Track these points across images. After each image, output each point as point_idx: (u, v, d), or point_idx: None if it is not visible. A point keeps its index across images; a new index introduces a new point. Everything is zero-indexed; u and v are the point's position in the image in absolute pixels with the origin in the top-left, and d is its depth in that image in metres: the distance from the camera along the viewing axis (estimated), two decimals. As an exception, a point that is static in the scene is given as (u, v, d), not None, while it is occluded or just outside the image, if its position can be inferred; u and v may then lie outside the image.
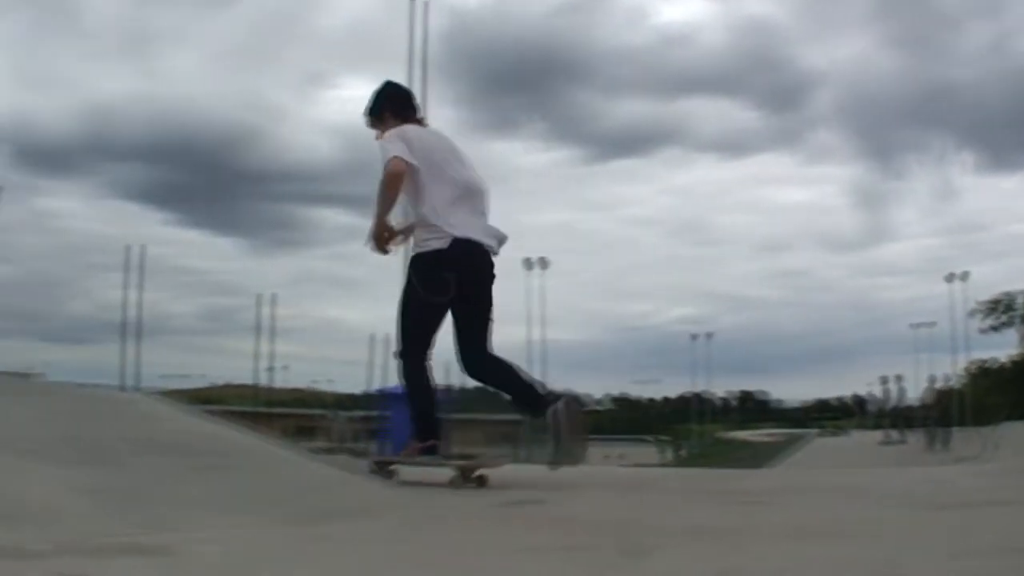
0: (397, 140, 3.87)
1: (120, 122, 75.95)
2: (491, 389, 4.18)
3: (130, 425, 3.63)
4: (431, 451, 3.92)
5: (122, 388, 19.28)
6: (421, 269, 3.90)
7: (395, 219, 4.04)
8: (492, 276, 4.07)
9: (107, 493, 2.69)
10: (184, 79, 77.30)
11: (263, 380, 23.45)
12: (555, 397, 3.85)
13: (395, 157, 3.80)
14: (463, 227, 3.89)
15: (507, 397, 4.08)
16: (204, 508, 2.79)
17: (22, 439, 2.90)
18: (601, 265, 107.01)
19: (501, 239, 4.06)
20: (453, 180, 3.96)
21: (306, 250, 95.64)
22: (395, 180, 3.83)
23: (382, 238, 4.02)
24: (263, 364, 22.79)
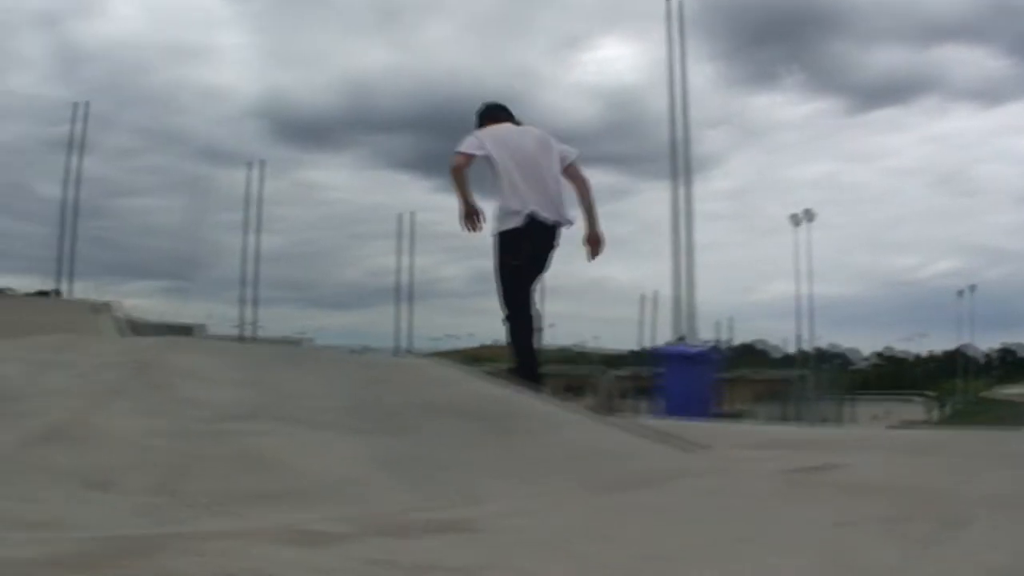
0: (470, 137, 4.85)
1: (380, 95, 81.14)
2: None
3: (417, 390, 3.50)
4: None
5: (396, 351, 20.49)
6: (505, 244, 4.72)
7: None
8: (553, 246, 4.88)
9: (403, 463, 2.52)
10: (441, 49, 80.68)
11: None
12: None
13: (456, 153, 4.76)
14: (533, 206, 4.69)
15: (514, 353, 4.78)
16: (502, 477, 2.56)
17: (312, 409, 2.81)
18: (865, 217, 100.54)
19: (565, 218, 4.90)
20: (525, 166, 4.77)
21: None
22: (454, 171, 4.79)
23: (470, 219, 4.77)
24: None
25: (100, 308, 12.45)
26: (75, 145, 14.13)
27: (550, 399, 4.18)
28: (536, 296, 5.01)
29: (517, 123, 5.20)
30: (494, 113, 5.22)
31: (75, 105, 14.32)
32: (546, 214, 4.77)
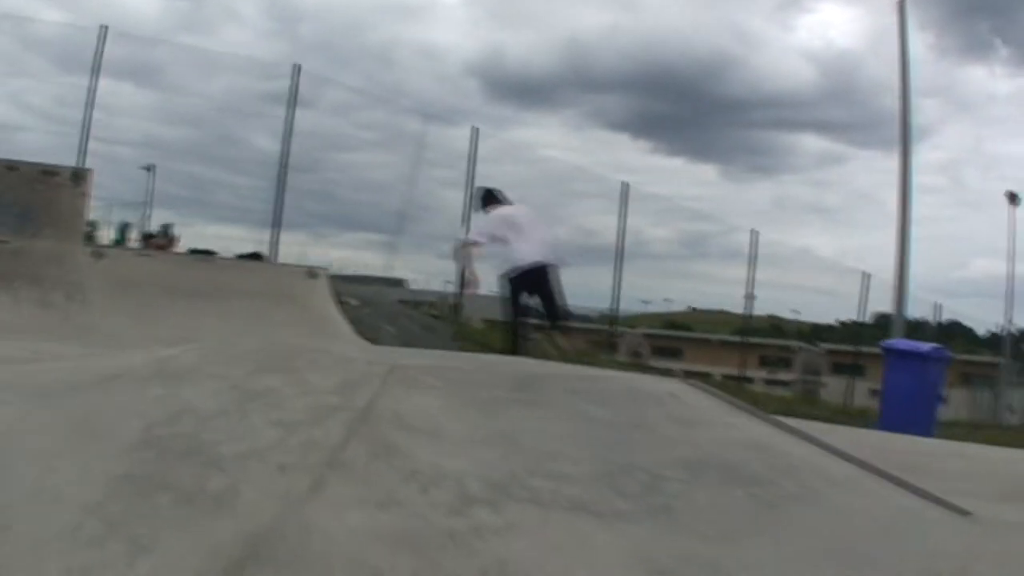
0: (480, 226, 8.31)
1: (597, 55, 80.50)
2: None
3: (670, 440, 2.78)
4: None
5: (612, 317, 19.74)
6: (512, 280, 7.84)
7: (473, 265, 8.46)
8: (547, 276, 7.91)
9: (679, 571, 1.79)
10: (659, 10, 78.66)
11: (740, 308, 22.98)
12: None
13: (469, 242, 8.28)
14: (530, 257, 7.76)
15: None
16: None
17: (560, 479, 2.19)
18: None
19: (557, 256, 8.08)
20: (524, 233, 7.78)
21: (782, 176, 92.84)
22: (459, 251, 8.37)
23: (470, 286, 8.75)
24: (739, 291, 22.28)
25: (315, 273, 12.68)
26: (292, 100, 14.20)
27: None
28: (558, 299, 8.06)
29: (509, 203, 8.23)
30: (492, 197, 8.30)
31: (294, 66, 14.40)
32: (538, 259, 7.82)
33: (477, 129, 17.10)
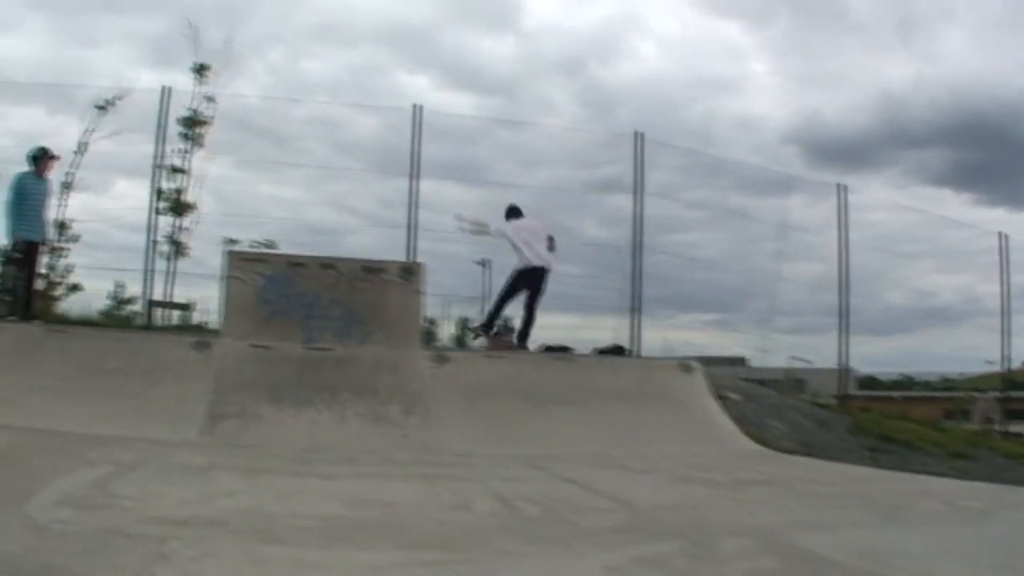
0: (508, 226, 10.42)
1: (909, 108, 74.57)
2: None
3: None
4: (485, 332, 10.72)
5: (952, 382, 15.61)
6: (516, 275, 10.27)
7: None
8: (544, 277, 10.32)
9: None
10: (960, 56, 72.00)
11: None
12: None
13: (497, 228, 10.48)
14: (534, 260, 10.18)
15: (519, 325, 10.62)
16: None
17: None
18: None
19: (549, 263, 10.35)
20: (530, 243, 10.21)
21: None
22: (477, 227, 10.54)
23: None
24: None
25: (690, 367, 9.99)
26: (638, 166, 12.22)
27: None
28: (540, 297, 10.37)
29: (524, 216, 10.64)
30: (516, 211, 10.69)
31: (636, 134, 12.42)
32: (542, 263, 10.26)
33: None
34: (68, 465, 5.10)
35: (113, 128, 13.42)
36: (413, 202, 12.20)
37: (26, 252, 9.55)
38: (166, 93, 12.60)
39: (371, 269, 9.49)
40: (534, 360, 9.67)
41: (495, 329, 10.72)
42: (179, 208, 13.17)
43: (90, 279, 14.11)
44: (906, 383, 17.18)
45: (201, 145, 13.37)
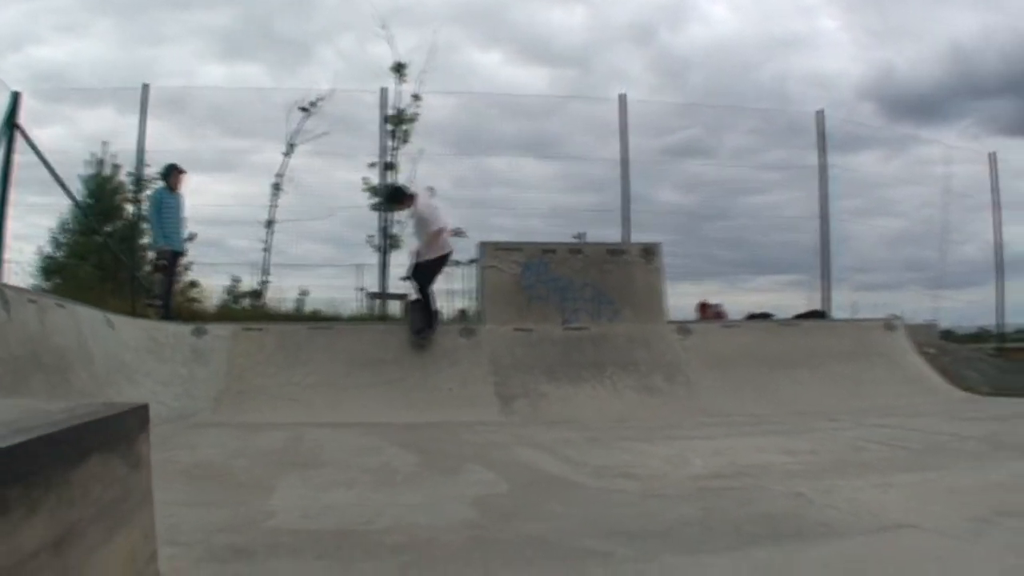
0: (440, 213, 9.92)
1: (979, 59, 72.15)
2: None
3: None
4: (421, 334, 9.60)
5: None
6: (433, 261, 9.75)
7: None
8: (447, 261, 10.06)
9: None
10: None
11: None
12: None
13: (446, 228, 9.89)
14: (446, 247, 9.82)
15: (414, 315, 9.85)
16: None
17: None
18: None
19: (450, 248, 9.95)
20: (444, 224, 9.85)
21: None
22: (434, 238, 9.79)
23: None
24: None
25: (893, 325, 11.15)
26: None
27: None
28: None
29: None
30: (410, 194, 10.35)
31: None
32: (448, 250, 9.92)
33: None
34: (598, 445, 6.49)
35: (323, 129, 14.91)
36: (624, 187, 13.41)
37: (171, 261, 10.49)
38: (383, 95, 14.11)
39: (615, 251, 10.83)
40: (765, 328, 10.99)
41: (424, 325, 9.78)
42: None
43: (205, 277, 15.03)
44: (984, 336, 17.60)
45: (406, 141, 14.74)
